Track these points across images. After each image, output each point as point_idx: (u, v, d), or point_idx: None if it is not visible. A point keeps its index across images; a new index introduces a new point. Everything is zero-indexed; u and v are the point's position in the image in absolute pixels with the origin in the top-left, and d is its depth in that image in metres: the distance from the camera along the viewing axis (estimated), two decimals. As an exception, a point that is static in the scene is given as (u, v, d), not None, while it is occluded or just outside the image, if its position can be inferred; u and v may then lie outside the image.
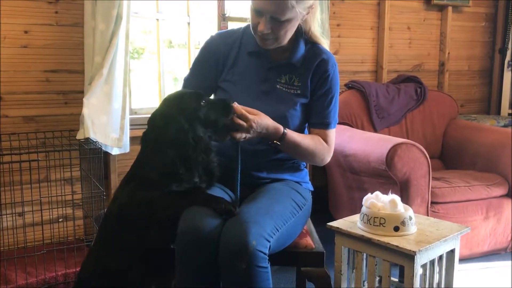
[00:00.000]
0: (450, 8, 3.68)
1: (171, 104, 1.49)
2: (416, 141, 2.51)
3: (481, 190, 2.64)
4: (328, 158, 1.71)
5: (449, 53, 3.75)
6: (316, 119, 1.69)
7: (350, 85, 3.20)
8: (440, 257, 1.70)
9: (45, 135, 2.38)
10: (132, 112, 2.72)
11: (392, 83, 3.35)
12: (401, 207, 1.66)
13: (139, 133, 1.52)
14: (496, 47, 3.99)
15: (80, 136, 2.28)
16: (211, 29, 3.04)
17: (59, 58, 2.44)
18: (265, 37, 1.56)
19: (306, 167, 1.85)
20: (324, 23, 2.92)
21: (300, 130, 1.68)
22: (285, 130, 1.56)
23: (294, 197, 1.62)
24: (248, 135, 1.48)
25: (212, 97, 1.76)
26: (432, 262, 1.67)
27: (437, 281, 1.73)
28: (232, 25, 2.98)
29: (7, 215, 2.25)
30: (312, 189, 1.81)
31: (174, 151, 1.42)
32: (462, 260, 2.51)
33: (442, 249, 1.66)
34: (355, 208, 2.51)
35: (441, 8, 3.70)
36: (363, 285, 1.78)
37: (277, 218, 1.46)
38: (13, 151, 2.11)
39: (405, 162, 2.34)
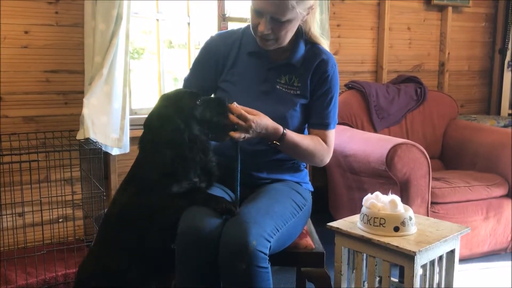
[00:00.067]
0: (450, 9, 3.68)
1: (167, 104, 1.49)
2: (416, 142, 2.51)
3: (481, 190, 2.64)
4: (327, 159, 1.71)
5: (449, 53, 3.75)
6: (315, 120, 1.69)
7: (350, 85, 3.20)
8: (440, 258, 1.70)
9: (45, 135, 2.38)
10: (132, 112, 2.72)
11: (392, 84, 3.35)
12: (401, 207, 1.66)
13: (139, 133, 1.52)
14: (496, 48, 3.99)
15: (80, 136, 2.28)
16: (211, 30, 3.04)
17: (59, 58, 2.44)
18: (265, 37, 1.56)
19: (306, 168, 1.85)
20: (324, 23, 2.92)
21: (299, 130, 1.68)
22: (284, 131, 1.56)
23: (294, 198, 1.62)
24: (248, 135, 1.48)
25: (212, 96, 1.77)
26: (432, 263, 1.67)
27: (437, 282, 1.73)
28: (232, 26, 2.98)
29: (7, 215, 2.25)
30: (312, 189, 1.81)
31: (171, 151, 1.42)
32: (462, 260, 2.51)
33: (442, 249, 1.67)
34: (355, 208, 2.51)
35: (441, 9, 3.70)
36: (363, 286, 1.78)
37: (277, 219, 1.46)
38: (13, 152, 2.11)
39: (405, 162, 2.34)
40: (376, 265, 1.67)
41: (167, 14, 2.87)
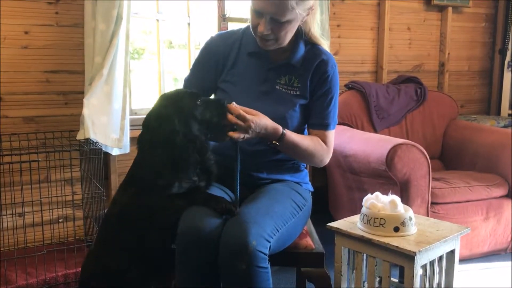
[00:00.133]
0: (450, 9, 3.68)
1: (167, 104, 1.49)
2: (416, 142, 2.51)
3: (481, 190, 2.64)
4: (327, 159, 1.71)
5: (449, 53, 3.75)
6: (315, 120, 1.69)
7: (350, 85, 3.20)
8: (440, 258, 1.70)
9: (45, 136, 2.38)
10: (132, 112, 2.72)
11: (392, 84, 3.35)
12: (401, 207, 1.66)
13: (139, 133, 1.53)
14: (496, 48, 4.00)
15: (80, 136, 2.28)
16: (211, 30, 3.04)
17: (59, 59, 2.44)
18: (265, 38, 1.56)
19: (306, 168, 1.85)
20: (324, 23, 2.92)
21: (299, 131, 1.68)
22: (284, 131, 1.56)
23: (294, 198, 1.62)
24: (247, 135, 1.48)
25: (212, 97, 1.77)
26: (432, 263, 1.67)
27: (437, 282, 1.73)
28: (232, 26, 2.98)
29: (7, 216, 2.26)
30: (312, 189, 1.81)
31: (166, 151, 1.42)
32: (462, 260, 2.50)
33: (442, 249, 1.67)
34: (355, 208, 2.51)
35: (441, 9, 3.70)
36: (363, 286, 1.78)
37: (277, 219, 1.46)
38: (13, 152, 2.11)
39: (405, 162, 2.34)
40: (376, 265, 1.67)
41: (167, 14, 2.88)
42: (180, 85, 1.89)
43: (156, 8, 2.84)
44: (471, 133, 3.12)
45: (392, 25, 3.50)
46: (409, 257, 1.54)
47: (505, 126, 3.48)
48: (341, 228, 1.71)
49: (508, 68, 3.88)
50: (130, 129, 2.49)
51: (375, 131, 3.10)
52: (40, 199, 2.09)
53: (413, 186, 2.38)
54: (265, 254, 1.35)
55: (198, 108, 1.48)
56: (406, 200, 2.36)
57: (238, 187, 1.55)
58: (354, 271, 1.75)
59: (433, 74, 3.77)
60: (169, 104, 1.48)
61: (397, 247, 1.55)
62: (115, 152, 2.46)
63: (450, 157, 3.22)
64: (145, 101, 3.25)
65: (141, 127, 1.52)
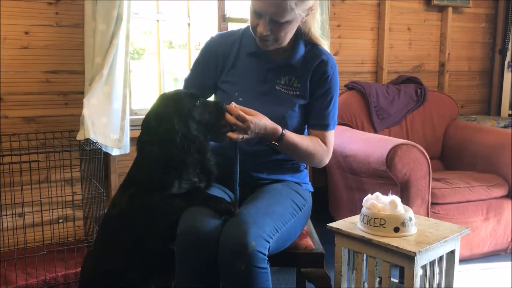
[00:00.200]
0: (450, 9, 3.68)
1: (166, 104, 1.49)
2: (416, 142, 2.51)
3: (481, 191, 2.64)
4: (326, 160, 1.71)
5: (449, 53, 3.75)
6: (315, 120, 1.69)
7: (350, 85, 3.20)
8: (440, 258, 1.70)
9: (45, 136, 2.38)
10: (132, 112, 2.72)
11: (392, 84, 3.35)
12: (401, 208, 1.66)
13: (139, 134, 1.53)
14: (496, 48, 3.99)
15: (80, 136, 2.28)
16: (211, 30, 3.04)
17: (60, 59, 2.44)
18: (264, 38, 1.56)
19: (306, 168, 1.85)
20: (324, 24, 2.92)
21: (299, 131, 1.68)
22: (283, 131, 1.56)
23: (294, 198, 1.62)
24: (246, 136, 1.48)
25: (212, 97, 1.77)
26: (432, 263, 1.67)
27: (437, 282, 1.73)
28: (232, 26, 2.98)
29: (7, 216, 2.26)
30: (312, 190, 1.81)
31: (165, 150, 1.42)
32: (462, 261, 2.50)
33: (442, 250, 1.66)
34: (355, 209, 2.51)
35: (441, 9, 3.70)
36: (363, 286, 1.78)
37: (277, 219, 1.46)
38: (13, 152, 2.11)
39: (405, 163, 2.34)
40: (376, 266, 1.67)
41: (167, 14, 2.88)
42: (180, 85, 1.89)
43: (156, 8, 2.84)
44: (471, 133, 3.12)
45: (392, 25, 3.50)
46: (409, 257, 1.54)
47: (505, 127, 3.47)
48: (341, 229, 1.71)
49: (508, 68, 3.88)
50: (130, 129, 2.49)
51: (375, 131, 3.10)
52: (40, 199, 2.09)
53: (413, 186, 2.38)
54: (264, 254, 1.35)
55: (197, 109, 1.49)
56: (406, 201, 2.36)
57: (238, 187, 1.55)
58: (354, 272, 1.75)
59: (433, 74, 3.77)
60: (168, 104, 1.48)
61: (397, 247, 1.55)
62: (115, 152, 2.46)
63: (450, 157, 3.22)
64: (145, 101, 3.25)
65: (141, 127, 1.52)
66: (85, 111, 2.27)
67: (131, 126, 2.52)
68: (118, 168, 2.58)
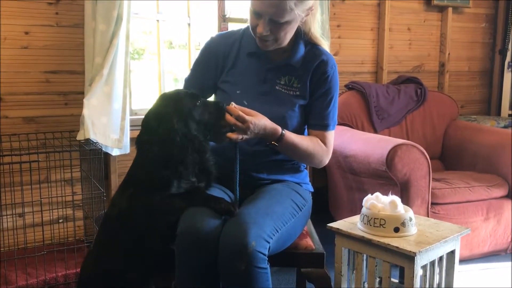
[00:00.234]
0: (450, 9, 3.68)
1: (166, 104, 1.50)
2: (416, 142, 2.51)
3: (481, 191, 2.64)
4: (326, 160, 1.71)
5: (449, 54, 3.75)
6: (315, 121, 1.69)
7: (350, 86, 3.20)
8: (440, 258, 1.70)
9: (45, 136, 2.38)
10: (133, 113, 2.72)
11: (392, 84, 3.35)
12: (401, 208, 1.66)
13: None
14: (496, 48, 3.99)
15: (80, 137, 2.28)
16: (212, 30, 3.04)
17: (60, 59, 2.44)
18: (264, 38, 1.56)
19: (306, 168, 1.85)
20: (324, 24, 2.92)
21: (299, 131, 1.68)
22: (283, 131, 1.56)
23: (294, 198, 1.62)
24: (245, 136, 1.49)
25: (212, 97, 1.77)
26: (432, 263, 1.67)
27: (437, 282, 1.73)
28: (232, 26, 2.98)
29: (8, 216, 2.26)
30: (312, 190, 1.81)
31: (164, 150, 1.42)
32: (462, 261, 2.50)
33: (442, 250, 1.66)
34: (355, 209, 2.51)
35: (441, 9, 3.70)
36: (363, 286, 1.78)
37: (277, 219, 1.46)
38: (13, 152, 2.11)
39: (405, 163, 2.34)
40: (376, 266, 1.67)
41: (168, 14, 2.88)
42: (180, 86, 1.89)
43: (156, 9, 2.84)
44: (471, 133, 3.12)
45: (392, 26, 3.50)
46: (409, 257, 1.54)
47: (505, 127, 3.47)
48: (341, 229, 1.71)
49: (508, 68, 3.88)
50: (130, 130, 2.49)
51: (375, 131, 3.10)
52: (40, 199, 2.09)
53: (413, 186, 2.38)
54: (264, 254, 1.35)
55: (197, 109, 1.49)
56: (406, 201, 2.36)
57: (238, 187, 1.55)
58: (354, 272, 1.75)
59: (433, 74, 3.77)
60: (168, 104, 1.48)
61: (397, 247, 1.55)
62: (115, 152, 2.46)
63: (450, 157, 3.22)
64: (145, 101, 3.25)
65: (140, 127, 1.52)
66: (85, 111, 2.27)
67: (131, 126, 2.52)
68: (118, 168, 2.58)
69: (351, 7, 3.34)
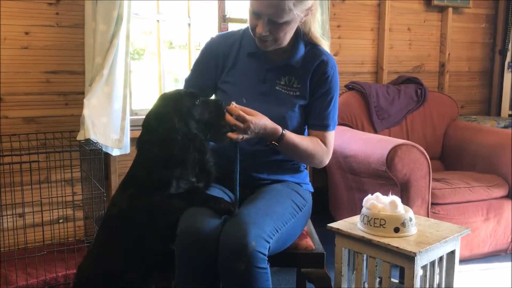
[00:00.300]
0: (450, 9, 3.68)
1: (166, 104, 1.50)
2: (416, 142, 2.51)
3: (482, 191, 2.64)
4: (326, 160, 1.71)
5: (449, 54, 3.75)
6: (315, 121, 1.69)
7: (350, 86, 3.20)
8: (441, 258, 1.70)
9: (46, 136, 2.38)
10: (133, 113, 2.72)
11: (392, 84, 3.35)
12: (401, 208, 1.66)
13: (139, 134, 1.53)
14: (496, 49, 4.00)
15: (80, 137, 2.28)
16: (212, 30, 3.04)
17: (60, 59, 2.44)
18: (263, 39, 1.56)
19: (306, 168, 1.85)
20: (325, 24, 2.93)
21: (299, 131, 1.68)
22: (283, 131, 1.56)
23: (294, 198, 1.62)
24: (246, 136, 1.49)
25: (213, 98, 1.77)
26: (432, 263, 1.67)
27: (437, 282, 1.73)
28: (232, 26, 2.98)
29: (8, 216, 2.26)
30: (312, 190, 1.81)
31: (164, 150, 1.42)
32: (463, 261, 2.50)
33: (442, 250, 1.66)
34: (356, 209, 2.51)
35: (442, 9, 3.70)
36: (363, 286, 1.78)
37: (277, 219, 1.46)
38: (13, 152, 2.11)
39: (405, 163, 2.34)
40: (376, 266, 1.67)
41: (168, 15, 2.88)
42: (180, 86, 1.89)
43: (157, 9, 2.84)
44: (471, 133, 3.12)
45: (392, 26, 3.50)
46: (409, 257, 1.54)
47: (505, 127, 3.47)
48: (341, 229, 1.71)
49: (508, 68, 3.88)
50: (130, 130, 2.50)
51: (375, 131, 3.10)
52: (40, 199, 2.09)
53: (413, 186, 2.38)
54: (264, 254, 1.35)
55: (196, 108, 1.49)
56: (406, 201, 2.36)
57: (238, 187, 1.55)
58: (354, 272, 1.75)
59: (433, 74, 3.77)
60: (168, 104, 1.49)
61: (397, 247, 1.55)
62: (115, 152, 2.46)
63: (450, 157, 3.22)
64: (146, 101, 3.25)
65: (141, 127, 1.53)
66: (86, 112, 2.27)
67: (131, 126, 2.52)
68: (119, 168, 2.58)
69: (351, 7, 3.34)
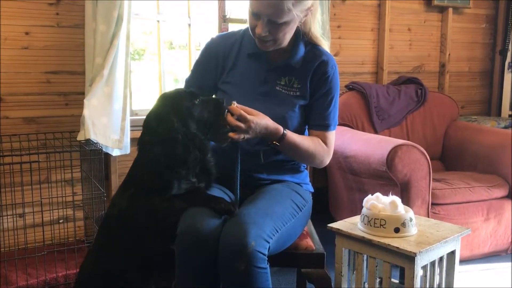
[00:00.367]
0: (450, 10, 3.68)
1: (166, 104, 1.50)
2: (417, 143, 2.51)
3: (482, 191, 2.64)
4: (327, 160, 1.71)
5: (449, 54, 3.75)
6: (315, 121, 1.69)
7: (350, 86, 3.20)
8: (441, 259, 1.70)
9: (46, 136, 2.38)
10: (133, 113, 2.72)
11: (392, 85, 3.35)
12: (401, 208, 1.66)
13: (140, 134, 1.53)
14: (496, 49, 4.00)
15: (80, 137, 2.28)
16: (212, 31, 3.04)
17: (60, 60, 2.44)
18: (263, 39, 1.56)
19: (306, 169, 1.85)
20: (325, 24, 2.93)
21: (299, 131, 1.68)
22: (285, 131, 1.56)
23: (294, 199, 1.62)
24: (247, 135, 1.49)
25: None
26: (432, 264, 1.67)
27: (437, 283, 1.73)
28: (232, 27, 2.98)
29: (8, 216, 2.26)
30: (312, 190, 1.81)
31: (164, 150, 1.42)
32: (463, 261, 2.50)
33: (442, 250, 1.66)
34: (356, 209, 2.51)
35: (442, 10, 3.70)
36: (364, 287, 1.78)
37: (277, 219, 1.46)
38: (13, 152, 2.11)
39: (405, 163, 2.34)
40: (376, 266, 1.67)
41: (168, 15, 2.88)
42: (180, 86, 1.89)
43: (157, 9, 2.84)
44: (472, 134, 3.12)
45: (392, 26, 3.50)
46: (410, 258, 1.54)
47: (505, 127, 3.47)
48: (341, 229, 1.71)
49: (508, 69, 3.88)
50: (131, 130, 2.50)
51: (376, 132, 3.10)
52: (40, 199, 2.09)
53: (413, 187, 2.38)
54: (264, 254, 1.35)
55: (196, 107, 1.49)
56: (406, 201, 2.36)
57: (239, 188, 1.55)
58: (354, 272, 1.75)
59: (433, 75, 3.77)
60: (168, 104, 1.49)
61: (397, 248, 1.55)
62: (115, 152, 2.46)
63: (450, 158, 3.22)
64: (146, 101, 3.26)
65: (141, 127, 1.53)
66: (86, 112, 2.27)
67: (131, 126, 2.52)
68: (119, 169, 2.59)
69: (352, 8, 3.34)
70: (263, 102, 1.63)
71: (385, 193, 1.73)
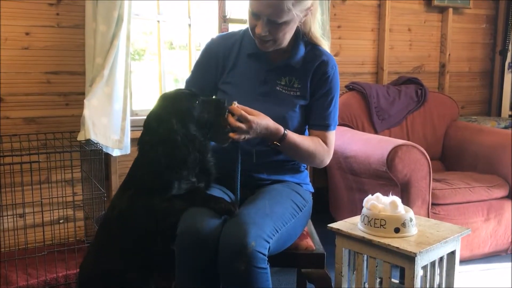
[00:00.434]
0: (450, 10, 3.68)
1: (165, 104, 1.50)
2: (417, 143, 2.51)
3: (482, 191, 2.64)
4: (327, 160, 1.71)
5: (449, 54, 3.75)
6: (315, 121, 1.69)
7: (350, 86, 3.20)
8: (441, 259, 1.70)
9: (46, 137, 2.38)
10: (133, 113, 2.72)
11: (392, 85, 3.35)
12: (401, 208, 1.66)
13: (140, 134, 1.53)
14: (496, 49, 4.00)
15: (81, 137, 2.28)
16: (212, 31, 3.05)
17: (60, 60, 2.44)
18: (263, 39, 1.56)
19: (306, 169, 1.85)
20: (325, 24, 2.93)
21: (300, 131, 1.68)
22: (285, 131, 1.56)
23: (294, 199, 1.62)
24: (248, 136, 1.49)
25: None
26: (432, 264, 1.67)
27: (437, 283, 1.73)
28: (232, 27, 2.98)
29: (8, 216, 2.26)
30: (312, 190, 1.81)
31: (164, 151, 1.42)
32: (463, 261, 2.50)
33: (442, 250, 1.66)
34: (356, 209, 2.51)
35: (442, 10, 3.70)
36: (364, 287, 1.78)
37: (277, 219, 1.46)
38: (14, 153, 2.11)
39: (405, 163, 2.34)
40: (376, 266, 1.67)
41: (168, 15, 2.88)
42: (180, 86, 1.89)
43: (157, 9, 2.84)
44: (472, 134, 3.12)
45: (392, 26, 3.50)
46: (410, 258, 1.54)
47: (505, 127, 3.47)
48: (341, 229, 1.71)
49: (508, 69, 3.88)
50: (131, 130, 2.50)
51: (376, 132, 3.10)
52: (40, 200, 2.09)
53: (413, 187, 2.38)
54: (264, 254, 1.35)
55: (196, 108, 1.49)
56: (406, 201, 2.36)
57: (239, 188, 1.55)
58: (354, 272, 1.75)
59: (433, 75, 3.77)
60: (168, 105, 1.49)
61: (397, 248, 1.55)
62: (115, 153, 2.46)
63: (450, 158, 3.22)
64: (146, 102, 3.26)
65: (141, 128, 1.53)
66: (86, 112, 2.27)
67: (131, 126, 2.52)
68: (119, 169, 2.59)
69: (352, 8, 3.34)
70: (263, 102, 1.63)
71: (385, 193, 1.73)
